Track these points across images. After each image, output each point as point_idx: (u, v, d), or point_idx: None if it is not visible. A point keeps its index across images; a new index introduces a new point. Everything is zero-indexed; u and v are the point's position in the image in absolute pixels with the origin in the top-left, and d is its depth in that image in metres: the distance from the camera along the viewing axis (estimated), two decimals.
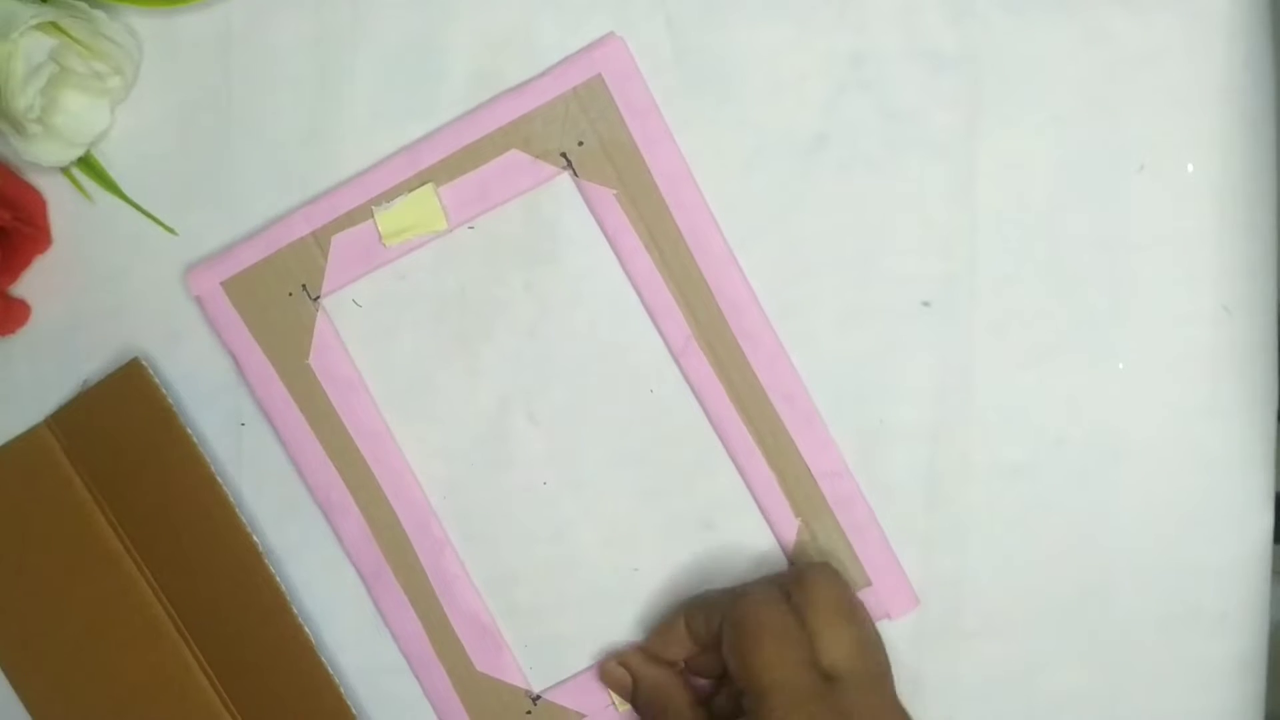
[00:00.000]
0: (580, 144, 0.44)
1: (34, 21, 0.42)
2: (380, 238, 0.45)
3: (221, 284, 0.46)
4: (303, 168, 0.45)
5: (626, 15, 0.44)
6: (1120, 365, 0.44)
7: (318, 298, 0.45)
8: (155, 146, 0.46)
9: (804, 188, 0.44)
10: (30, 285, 0.47)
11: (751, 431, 0.44)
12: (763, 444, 0.44)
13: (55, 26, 0.43)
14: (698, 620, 0.42)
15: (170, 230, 0.46)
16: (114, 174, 0.46)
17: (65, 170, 0.46)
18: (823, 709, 0.37)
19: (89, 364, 0.47)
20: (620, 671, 0.44)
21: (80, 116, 0.45)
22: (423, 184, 0.44)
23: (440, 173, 0.44)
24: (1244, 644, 0.45)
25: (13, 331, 0.47)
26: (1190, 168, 0.43)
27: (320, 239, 0.45)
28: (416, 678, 0.46)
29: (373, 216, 0.45)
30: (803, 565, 0.43)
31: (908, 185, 0.44)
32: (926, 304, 0.44)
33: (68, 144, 0.45)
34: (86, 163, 0.46)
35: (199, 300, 0.46)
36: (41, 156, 0.44)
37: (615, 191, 0.44)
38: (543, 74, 0.44)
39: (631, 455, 0.45)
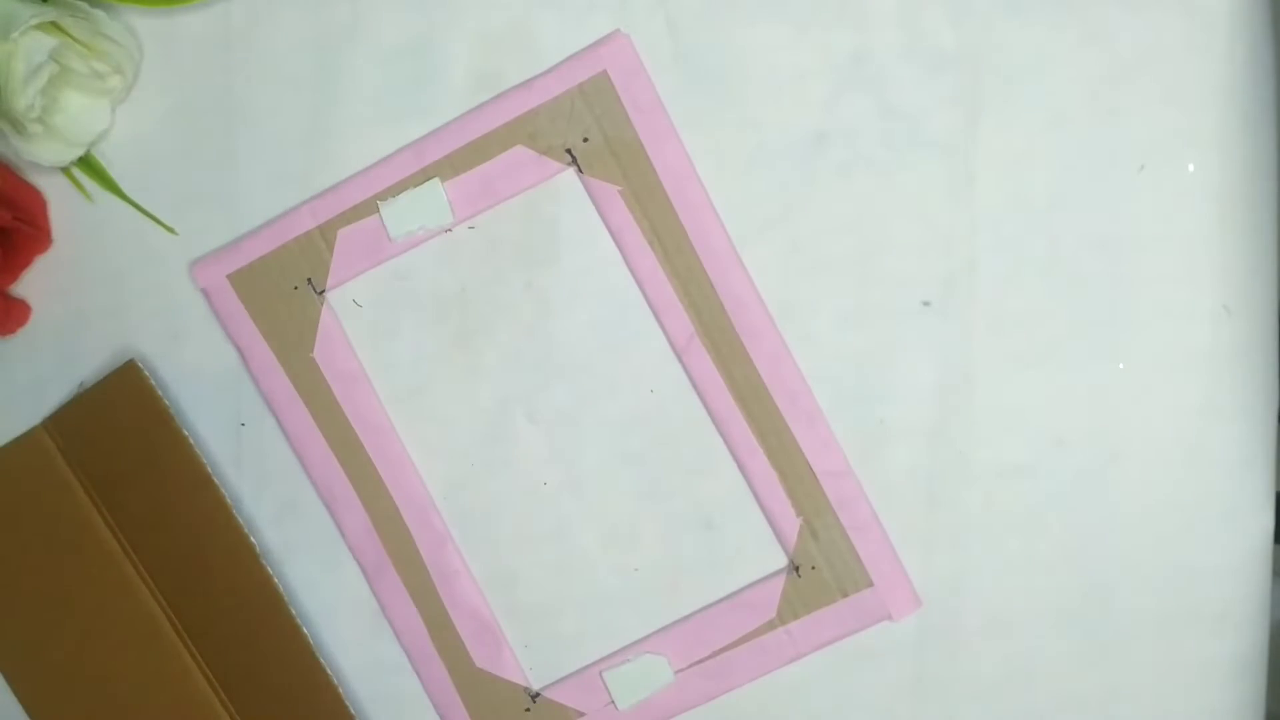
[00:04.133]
0: (585, 140, 0.44)
1: (34, 21, 0.42)
2: (386, 232, 0.45)
3: (227, 277, 0.46)
4: (303, 167, 0.45)
5: (627, 15, 0.44)
6: (1120, 365, 0.44)
7: (323, 291, 0.45)
8: (155, 146, 0.46)
9: (804, 187, 0.44)
10: (30, 285, 0.47)
11: (754, 429, 0.44)
12: (765, 442, 0.44)
13: (56, 26, 0.43)
14: None
15: (170, 230, 0.46)
16: (114, 174, 0.46)
17: (65, 170, 0.46)
18: None
19: (89, 364, 0.47)
20: None
21: (80, 116, 0.45)
22: (428, 179, 0.44)
23: (445, 168, 0.44)
24: (1244, 644, 0.45)
25: (13, 331, 0.47)
26: (1190, 168, 0.43)
27: (326, 233, 0.45)
28: (417, 673, 0.46)
29: (378, 211, 0.45)
30: None
31: (908, 185, 0.44)
32: (927, 304, 0.44)
33: (68, 144, 0.45)
34: (87, 162, 0.46)
35: (205, 292, 0.46)
36: (42, 156, 0.44)
37: (619, 188, 0.44)
38: (548, 70, 0.44)
39: (632, 455, 0.45)
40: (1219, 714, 0.45)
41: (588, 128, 0.44)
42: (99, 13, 0.44)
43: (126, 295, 0.47)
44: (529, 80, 0.44)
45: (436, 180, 0.44)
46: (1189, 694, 0.45)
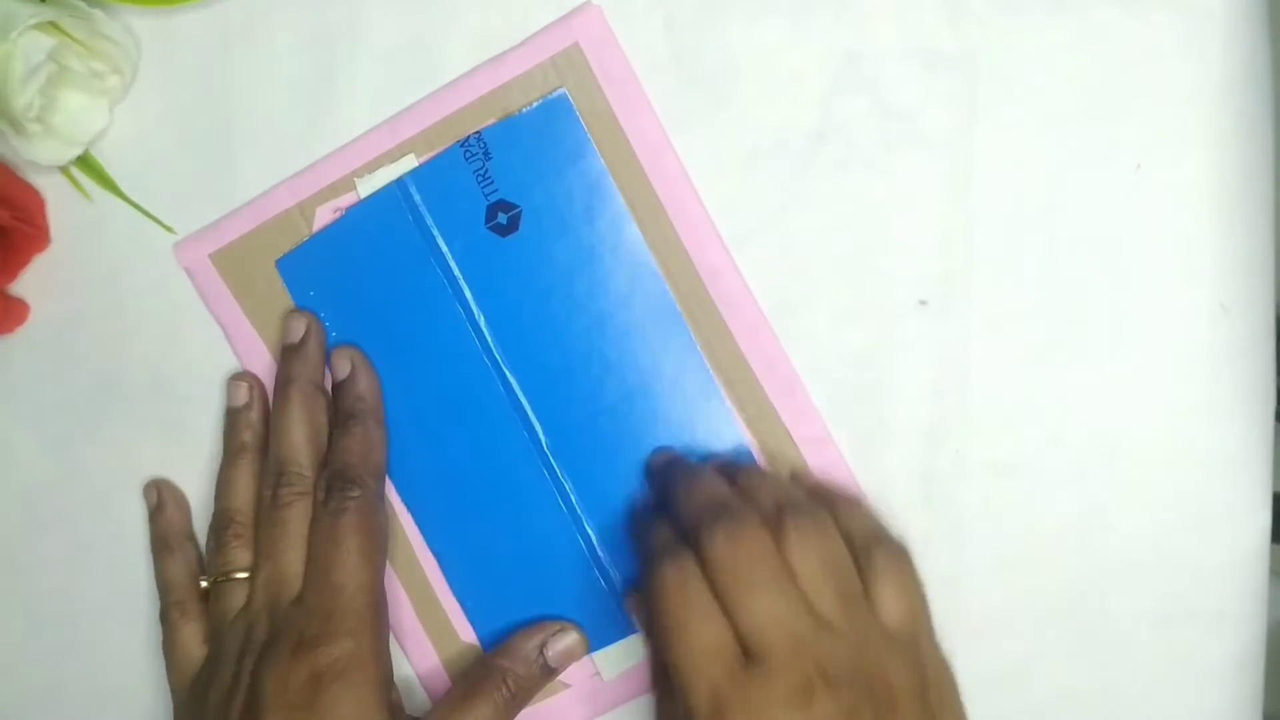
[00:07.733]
0: None
1: (33, 21, 0.42)
2: None
3: (209, 256, 0.46)
4: (301, 167, 0.46)
5: (625, 14, 0.44)
6: (1118, 365, 0.44)
7: None
8: (154, 146, 0.46)
9: (801, 187, 0.44)
10: (29, 284, 0.47)
11: (731, 398, 0.44)
12: (743, 410, 0.44)
13: (54, 26, 0.43)
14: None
15: (169, 229, 0.46)
16: (113, 173, 0.46)
17: (64, 169, 0.46)
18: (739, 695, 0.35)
19: (89, 364, 0.47)
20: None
21: (79, 116, 0.45)
22: (404, 155, 0.45)
23: (421, 144, 0.44)
24: (1242, 643, 0.45)
25: (12, 331, 0.47)
26: (1187, 167, 0.43)
27: (305, 210, 0.45)
28: (403, 650, 0.46)
29: (355, 188, 0.45)
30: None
31: (905, 184, 0.44)
32: (923, 303, 0.44)
33: (67, 143, 0.45)
34: (85, 162, 0.46)
35: (188, 272, 0.46)
36: (40, 156, 0.44)
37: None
38: (520, 44, 0.44)
39: None
40: (1217, 714, 0.45)
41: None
42: (97, 12, 0.44)
43: (125, 295, 0.47)
44: (501, 54, 0.44)
45: (412, 156, 0.44)
46: (1186, 694, 0.45)
